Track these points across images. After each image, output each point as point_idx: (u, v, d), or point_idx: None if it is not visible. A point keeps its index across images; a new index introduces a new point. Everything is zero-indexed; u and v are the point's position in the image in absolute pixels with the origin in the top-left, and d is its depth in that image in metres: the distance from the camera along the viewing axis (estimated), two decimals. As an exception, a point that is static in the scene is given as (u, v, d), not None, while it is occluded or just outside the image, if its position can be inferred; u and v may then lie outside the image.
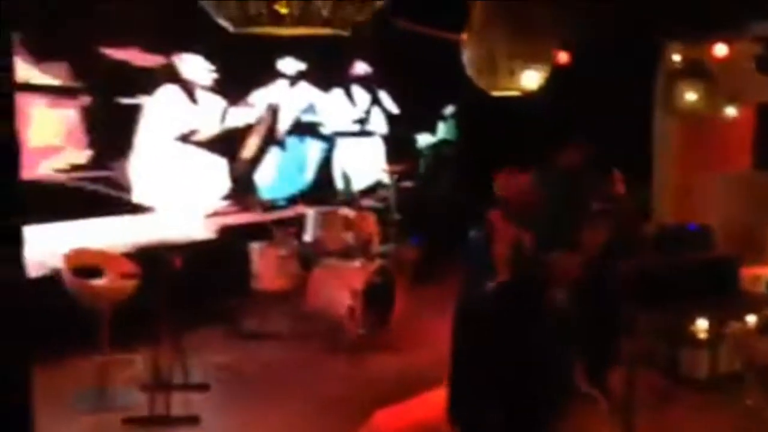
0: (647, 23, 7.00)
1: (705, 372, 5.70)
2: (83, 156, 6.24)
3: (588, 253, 4.49)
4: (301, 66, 7.99)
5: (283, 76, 7.93)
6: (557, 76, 5.00)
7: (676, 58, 7.64)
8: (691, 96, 7.25)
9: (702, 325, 5.79)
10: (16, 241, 2.84)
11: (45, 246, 5.57)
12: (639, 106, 8.44)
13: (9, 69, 2.77)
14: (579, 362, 5.33)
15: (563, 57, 6.97)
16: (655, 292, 5.38)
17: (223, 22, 2.27)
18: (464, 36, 4.89)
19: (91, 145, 6.27)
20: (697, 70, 7.30)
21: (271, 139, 7.91)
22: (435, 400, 4.85)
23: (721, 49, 7.34)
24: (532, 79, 4.59)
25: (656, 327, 5.71)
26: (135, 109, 6.65)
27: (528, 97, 4.92)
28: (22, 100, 5.30)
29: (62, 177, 6.09)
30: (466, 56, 4.83)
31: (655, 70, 8.30)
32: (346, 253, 6.85)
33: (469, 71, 4.87)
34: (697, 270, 5.88)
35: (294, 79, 8.03)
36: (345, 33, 2.27)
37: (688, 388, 5.55)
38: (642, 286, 5.21)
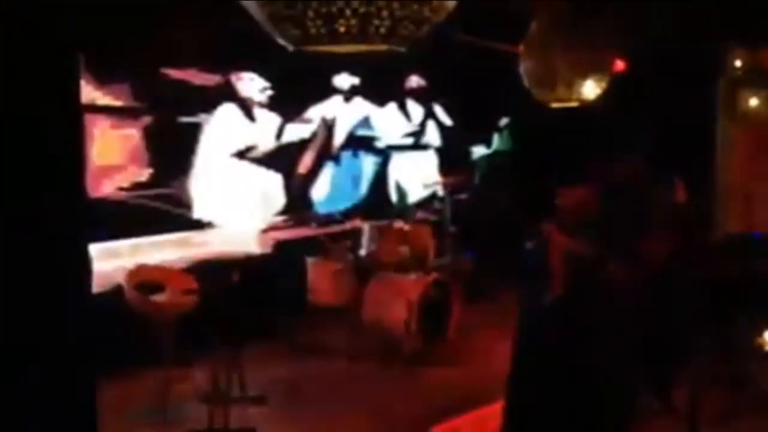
0: (708, 29, 6.87)
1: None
2: (144, 174, 6.38)
3: (650, 265, 4.40)
4: (356, 80, 8.04)
5: (337, 91, 7.99)
6: (616, 85, 4.94)
7: (738, 63, 7.48)
8: (753, 102, 7.09)
9: (768, 336, 5.62)
10: (83, 258, 2.91)
11: (108, 262, 5.71)
12: (700, 113, 8.27)
13: (76, 91, 2.85)
14: (643, 376, 5.23)
15: (622, 65, 6.88)
16: (721, 302, 5.24)
17: (282, 41, 2.30)
18: (522, 48, 4.85)
19: (152, 163, 6.40)
20: (760, 76, 7.14)
21: (326, 153, 7.97)
22: (492, 416, 4.79)
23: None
24: (590, 89, 4.54)
25: (722, 339, 5.56)
26: (194, 128, 6.78)
27: (585, 106, 4.86)
28: (86, 120, 5.45)
29: (124, 195, 6.23)
30: (524, 68, 4.80)
31: (716, 76, 8.13)
32: (402, 266, 6.84)
33: (527, 83, 4.84)
34: (764, 279, 5.72)
35: (348, 94, 8.08)
36: (402, 49, 2.28)
37: (756, 402, 5.38)
38: (707, 297, 5.08)
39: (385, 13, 2.06)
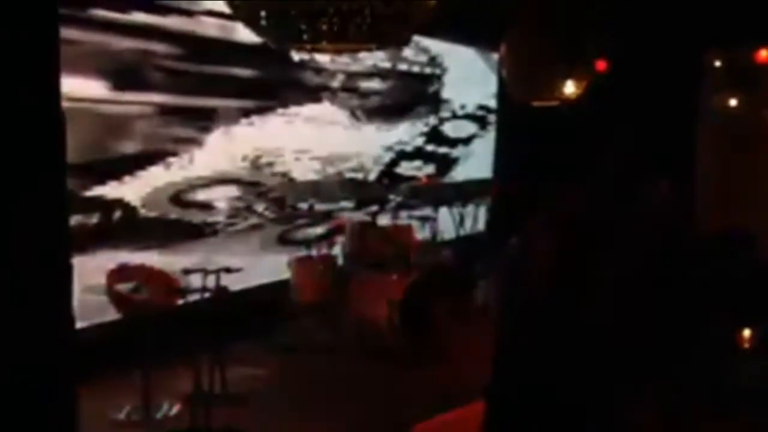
0: (689, 29, 6.92)
1: (753, 383, 5.58)
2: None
3: (632, 262, 4.43)
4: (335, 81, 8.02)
5: (319, 90, 7.96)
6: (597, 84, 4.97)
7: (718, 64, 7.55)
8: (732, 102, 7.16)
9: (747, 334, 5.67)
10: (64, 257, 2.89)
11: (89, 263, 5.67)
12: (682, 112, 8.32)
13: (57, 89, 2.83)
14: (621, 374, 5.26)
15: (603, 65, 6.92)
16: (699, 300, 5.29)
17: (266, 40, 2.30)
18: (503, 48, 4.88)
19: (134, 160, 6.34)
20: (740, 75, 7.21)
21: (307, 152, 7.94)
22: (476, 414, 4.80)
23: (764, 54, 7.23)
24: (571, 89, 4.56)
25: (700, 336, 5.60)
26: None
27: (567, 105, 4.89)
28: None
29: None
30: (505, 68, 4.83)
31: (697, 75, 8.19)
32: (384, 265, 6.84)
33: (509, 83, 4.87)
34: (742, 278, 5.78)
35: (332, 93, 8.06)
36: (384, 48, 2.29)
37: (734, 399, 5.43)
38: (686, 294, 5.13)
39: (366, 12, 2.07)
